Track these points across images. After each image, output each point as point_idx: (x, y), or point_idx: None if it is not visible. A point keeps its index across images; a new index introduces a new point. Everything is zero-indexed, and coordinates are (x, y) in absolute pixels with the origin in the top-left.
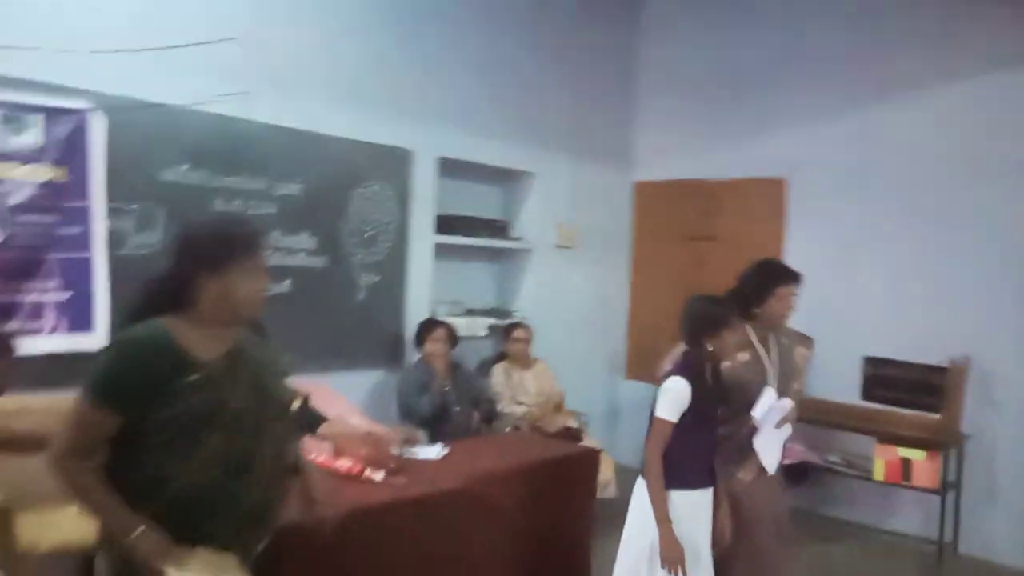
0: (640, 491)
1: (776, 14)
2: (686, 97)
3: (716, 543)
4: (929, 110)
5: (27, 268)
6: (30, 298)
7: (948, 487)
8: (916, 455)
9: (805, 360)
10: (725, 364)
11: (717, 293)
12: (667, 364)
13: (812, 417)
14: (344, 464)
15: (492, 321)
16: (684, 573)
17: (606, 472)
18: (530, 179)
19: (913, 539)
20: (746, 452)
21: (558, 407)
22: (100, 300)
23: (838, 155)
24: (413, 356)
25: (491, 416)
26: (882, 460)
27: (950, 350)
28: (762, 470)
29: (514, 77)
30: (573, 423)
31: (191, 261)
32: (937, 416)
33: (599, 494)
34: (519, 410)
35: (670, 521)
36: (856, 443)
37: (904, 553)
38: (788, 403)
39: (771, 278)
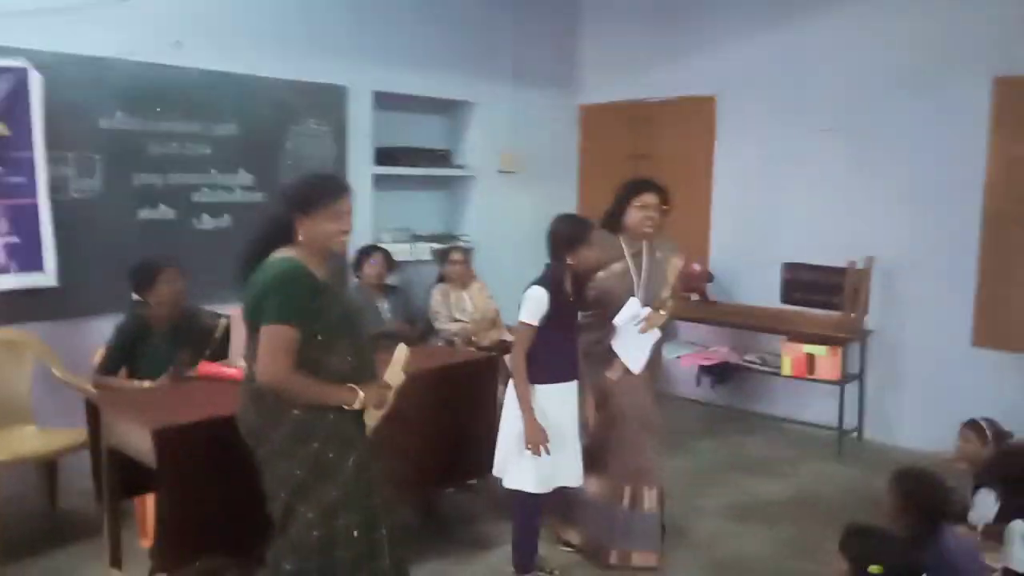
0: (511, 388)
1: None
2: (626, 19)
3: (585, 430)
4: (851, 27)
5: None
6: None
7: (849, 379)
8: (819, 351)
9: (675, 271)
10: (599, 275)
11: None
12: None
13: (735, 321)
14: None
15: (435, 246)
16: (547, 452)
17: None
18: (471, 108)
19: (822, 428)
20: (613, 354)
21: (494, 323)
22: (47, 242)
23: (765, 73)
24: (354, 283)
25: (426, 333)
26: (789, 357)
27: (861, 254)
28: (627, 370)
29: (451, 7)
30: (509, 337)
31: (293, 205)
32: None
33: None
34: (454, 327)
35: (532, 411)
36: (773, 343)
37: (812, 441)
38: (647, 311)
39: (628, 191)
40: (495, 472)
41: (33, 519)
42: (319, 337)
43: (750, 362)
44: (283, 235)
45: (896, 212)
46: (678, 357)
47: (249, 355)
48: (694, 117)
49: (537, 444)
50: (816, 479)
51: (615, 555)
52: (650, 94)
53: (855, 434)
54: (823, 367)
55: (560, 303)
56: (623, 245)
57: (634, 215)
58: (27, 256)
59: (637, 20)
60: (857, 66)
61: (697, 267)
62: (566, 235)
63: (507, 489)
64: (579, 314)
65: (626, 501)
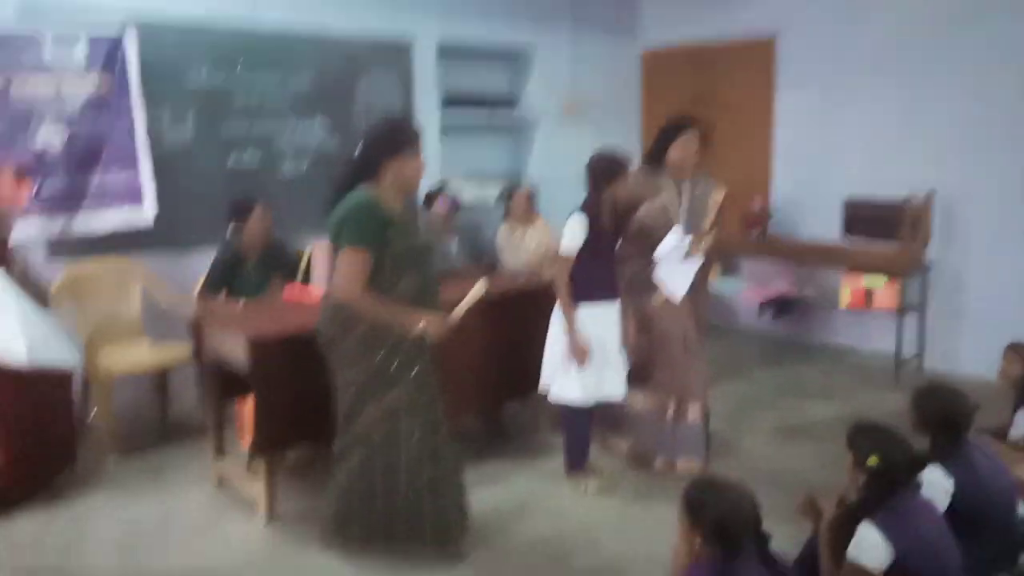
0: (557, 308)
1: None
2: None
3: (627, 347)
4: None
5: (89, 161)
6: (94, 184)
7: (908, 309)
8: (877, 282)
9: (716, 204)
10: (641, 209)
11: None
12: None
13: (795, 256)
14: None
15: (500, 187)
16: (591, 365)
17: None
18: (532, 54)
19: (882, 358)
20: (656, 282)
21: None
22: (147, 184)
23: (823, 11)
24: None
25: (492, 268)
26: (848, 289)
27: (922, 188)
28: (670, 296)
29: None
30: None
31: (375, 147)
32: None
33: None
34: (519, 262)
35: (575, 328)
36: (833, 277)
37: (871, 370)
38: (688, 239)
39: (670, 131)
40: (542, 385)
41: (148, 423)
42: (388, 262)
43: (809, 296)
44: (365, 173)
45: (956, 146)
46: (739, 292)
47: (331, 274)
48: (754, 59)
49: (581, 357)
50: (870, 404)
51: (660, 462)
52: (711, 36)
53: (916, 363)
54: (881, 298)
55: (598, 231)
56: (664, 181)
57: (675, 153)
58: (131, 196)
59: None
60: (914, 4)
61: (757, 205)
62: (603, 169)
63: (554, 399)
64: (619, 243)
65: (671, 413)
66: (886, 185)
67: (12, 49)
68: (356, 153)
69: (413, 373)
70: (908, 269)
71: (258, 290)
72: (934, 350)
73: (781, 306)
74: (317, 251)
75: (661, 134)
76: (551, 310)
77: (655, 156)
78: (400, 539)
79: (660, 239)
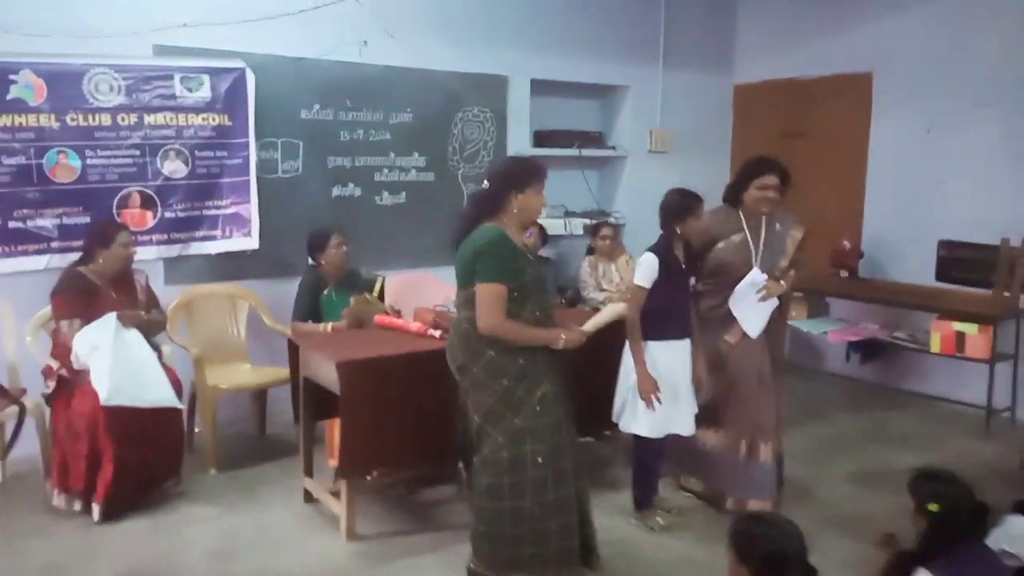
0: (628, 344)
1: None
2: None
3: (697, 385)
4: None
5: (206, 190)
6: (209, 213)
7: (1001, 358)
8: (969, 328)
9: (795, 243)
10: (718, 245)
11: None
12: None
13: (885, 298)
14: (415, 325)
15: (587, 221)
16: (659, 401)
17: None
18: (623, 91)
19: (972, 407)
20: (731, 319)
21: None
22: (255, 213)
23: (922, 47)
24: None
25: (574, 300)
26: (938, 334)
27: (1019, 231)
28: (745, 334)
29: None
30: None
31: (504, 183)
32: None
33: None
34: (600, 296)
35: (645, 364)
36: (924, 321)
37: (960, 419)
38: (764, 278)
39: (749, 171)
40: (613, 418)
41: (245, 439)
42: (515, 293)
43: (898, 338)
44: (494, 207)
45: None
46: (826, 332)
47: (459, 304)
48: (850, 93)
49: (648, 393)
50: (957, 454)
51: (731, 501)
52: (805, 72)
53: (1008, 414)
54: (973, 345)
55: (670, 268)
56: (742, 217)
57: (753, 194)
58: (240, 224)
59: None
60: (1017, 38)
61: (847, 244)
62: (676, 207)
63: (626, 435)
64: (692, 280)
65: (743, 452)
66: (983, 227)
67: (146, 86)
68: (483, 188)
69: (536, 398)
70: (1002, 315)
71: (340, 314)
72: None
73: (869, 349)
74: (427, 280)
75: (739, 174)
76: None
77: (733, 195)
78: (525, 563)
79: (736, 277)
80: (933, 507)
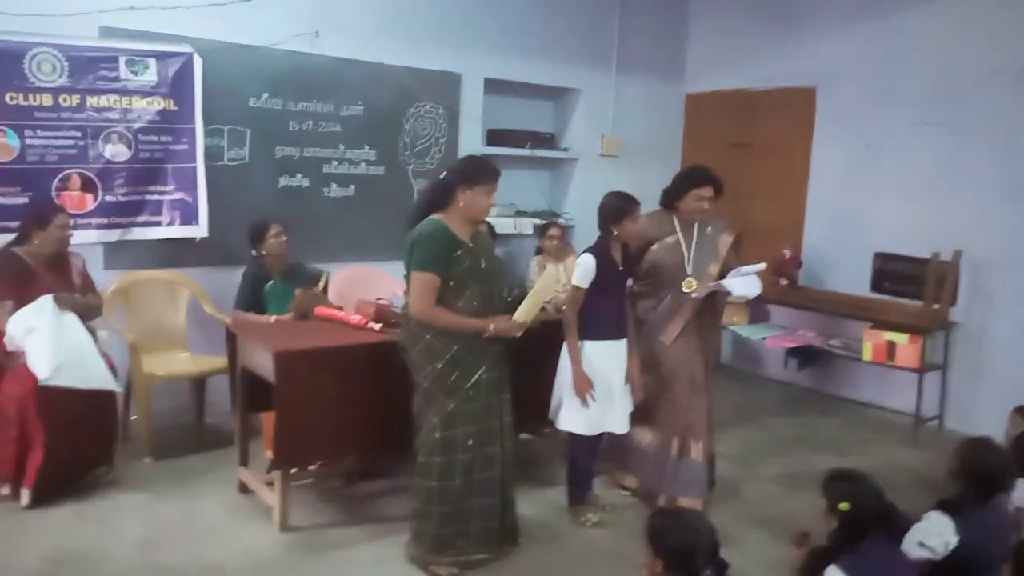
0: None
1: None
2: (733, 11)
3: (630, 383)
4: (949, 20)
5: (149, 175)
6: (152, 198)
7: (930, 368)
8: (900, 338)
9: (726, 245)
10: (652, 248)
11: (623, 191)
12: None
13: (822, 307)
14: (355, 318)
15: (536, 221)
16: (593, 399)
17: None
18: (577, 94)
19: (903, 415)
20: (665, 321)
21: None
22: (202, 200)
23: (864, 65)
24: None
25: (520, 299)
26: (870, 343)
27: (952, 246)
28: (678, 337)
29: None
30: None
31: (454, 177)
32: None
33: None
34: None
35: (580, 363)
36: (859, 330)
37: (890, 427)
38: (752, 268)
39: (687, 180)
40: (550, 415)
41: (183, 429)
42: (451, 283)
43: (833, 346)
44: (442, 200)
45: (989, 206)
46: (764, 338)
47: (406, 291)
48: (794, 107)
49: (583, 392)
50: (883, 460)
51: (663, 499)
52: (754, 84)
53: (935, 422)
54: (903, 355)
55: (607, 270)
56: (675, 221)
57: (689, 203)
58: (185, 211)
59: (743, 11)
60: (955, 59)
61: (788, 253)
62: (612, 209)
63: (563, 432)
64: (628, 281)
65: (674, 451)
66: (916, 241)
67: (91, 67)
68: (436, 180)
69: (468, 384)
70: (931, 327)
71: (284, 306)
72: (955, 410)
73: (806, 356)
74: (373, 275)
75: (677, 181)
76: (553, 344)
77: (669, 198)
78: (449, 542)
79: (669, 279)
80: (844, 506)
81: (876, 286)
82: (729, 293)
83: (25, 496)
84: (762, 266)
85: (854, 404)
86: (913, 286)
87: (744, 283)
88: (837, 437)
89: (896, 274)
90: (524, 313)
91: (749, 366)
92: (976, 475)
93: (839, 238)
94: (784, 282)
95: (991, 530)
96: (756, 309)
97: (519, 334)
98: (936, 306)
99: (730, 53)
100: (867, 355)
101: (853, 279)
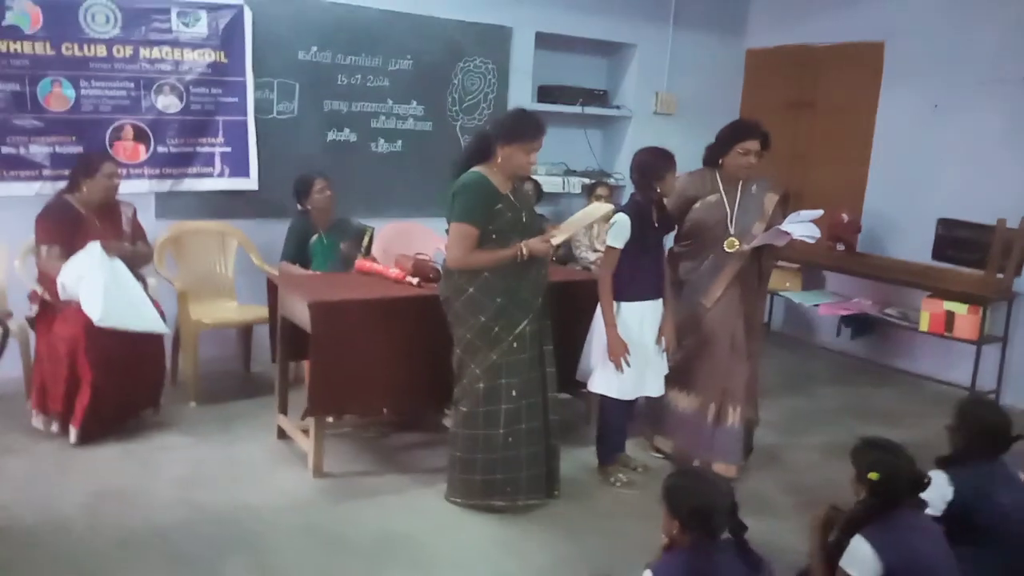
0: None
1: None
2: None
3: (666, 344)
4: None
5: (200, 127)
6: (203, 150)
7: (989, 340)
8: (959, 308)
9: (772, 203)
10: (694, 206)
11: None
12: None
13: (880, 274)
14: (393, 272)
15: (586, 181)
16: (627, 364)
17: None
18: (631, 50)
19: (958, 388)
20: (707, 282)
21: None
22: (252, 153)
23: (933, 19)
24: None
25: (565, 259)
26: (928, 313)
27: (1019, 212)
28: (719, 298)
29: None
30: None
31: (495, 131)
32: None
33: None
34: (592, 256)
35: (615, 325)
36: (918, 299)
37: (946, 400)
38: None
39: (732, 134)
40: (578, 376)
41: (230, 376)
42: (493, 236)
43: (889, 315)
44: (483, 154)
45: None
46: (816, 305)
47: (448, 244)
48: (860, 63)
49: (618, 356)
50: (935, 434)
51: (698, 464)
52: (818, 38)
53: (992, 397)
54: (962, 326)
55: (643, 229)
56: (718, 179)
57: (734, 158)
58: (236, 164)
59: None
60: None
61: (846, 217)
62: (648, 166)
63: (595, 393)
64: (665, 240)
65: (711, 416)
66: (982, 207)
67: (143, 19)
68: (478, 134)
69: (511, 335)
70: (993, 297)
71: (330, 260)
72: (1013, 384)
73: (860, 324)
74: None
75: (721, 137)
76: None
77: (713, 155)
78: (498, 488)
79: (711, 238)
80: (874, 475)
81: (938, 254)
82: (776, 259)
83: (73, 434)
84: (819, 212)
85: (909, 376)
86: (977, 254)
87: (802, 227)
88: (889, 409)
89: (959, 241)
90: (561, 233)
91: (800, 333)
92: (973, 432)
93: (901, 203)
94: (841, 247)
95: (990, 487)
96: (810, 275)
97: (552, 254)
98: (1000, 275)
99: (794, 6)
100: (924, 325)
101: (914, 246)
